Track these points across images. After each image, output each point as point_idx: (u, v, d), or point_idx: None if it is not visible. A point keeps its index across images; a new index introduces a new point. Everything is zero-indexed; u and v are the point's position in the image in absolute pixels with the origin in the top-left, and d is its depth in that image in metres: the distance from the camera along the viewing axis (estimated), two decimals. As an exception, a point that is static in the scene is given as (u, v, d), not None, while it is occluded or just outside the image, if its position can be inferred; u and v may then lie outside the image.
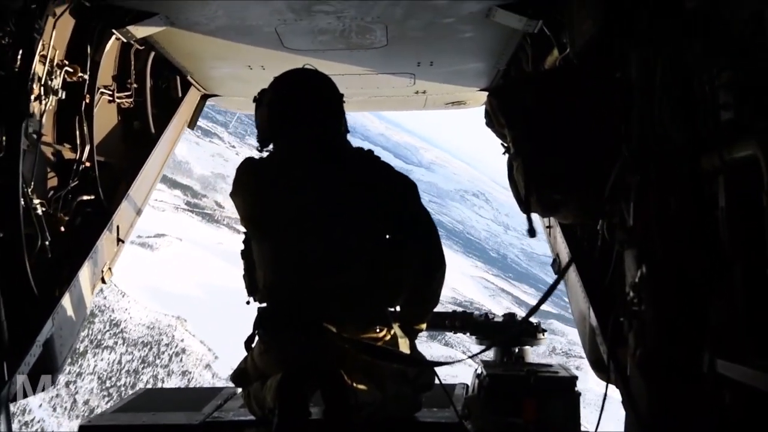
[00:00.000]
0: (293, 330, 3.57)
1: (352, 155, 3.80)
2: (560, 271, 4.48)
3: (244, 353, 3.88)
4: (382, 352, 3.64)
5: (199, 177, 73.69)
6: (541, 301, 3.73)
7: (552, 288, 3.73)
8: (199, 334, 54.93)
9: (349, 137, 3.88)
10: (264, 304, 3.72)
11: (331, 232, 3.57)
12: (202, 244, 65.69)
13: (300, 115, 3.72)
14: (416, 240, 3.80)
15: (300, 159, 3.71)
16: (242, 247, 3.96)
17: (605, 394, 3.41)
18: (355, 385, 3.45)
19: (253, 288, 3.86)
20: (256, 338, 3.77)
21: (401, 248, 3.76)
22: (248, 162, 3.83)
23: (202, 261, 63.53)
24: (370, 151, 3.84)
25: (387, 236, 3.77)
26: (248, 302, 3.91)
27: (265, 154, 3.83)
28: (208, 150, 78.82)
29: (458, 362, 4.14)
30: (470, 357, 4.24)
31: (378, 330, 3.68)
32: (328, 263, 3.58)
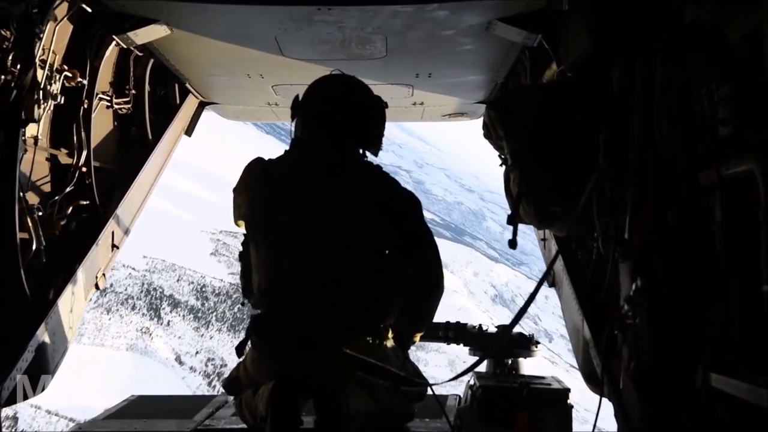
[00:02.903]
0: (286, 339, 3.56)
1: (360, 169, 3.80)
2: (545, 274, 4.44)
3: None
4: (375, 368, 3.63)
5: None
6: (525, 306, 3.73)
7: (534, 292, 3.73)
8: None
9: None
10: (258, 311, 3.71)
11: (329, 244, 3.56)
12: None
13: (318, 127, 3.75)
14: (415, 258, 3.80)
15: (308, 168, 3.71)
16: (241, 248, 3.96)
17: (599, 408, 3.41)
18: (347, 394, 3.44)
19: (248, 291, 3.86)
20: (249, 345, 3.76)
21: (399, 265, 3.76)
22: (257, 162, 3.81)
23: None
24: (378, 167, 3.85)
25: (386, 252, 3.76)
26: (243, 303, 3.92)
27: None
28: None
29: (451, 381, 4.14)
30: (462, 374, 4.23)
31: (370, 341, 3.68)
32: (325, 275, 3.57)
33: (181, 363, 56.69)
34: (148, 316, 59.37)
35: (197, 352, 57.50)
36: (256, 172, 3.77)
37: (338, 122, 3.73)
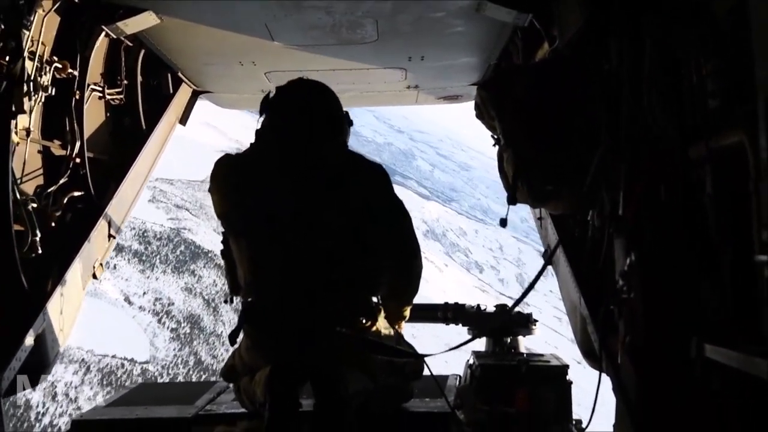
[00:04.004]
0: (279, 328, 3.58)
1: (326, 152, 3.77)
2: (548, 257, 4.48)
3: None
4: (369, 343, 3.67)
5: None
6: (528, 288, 3.75)
7: (539, 275, 3.75)
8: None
9: None
10: (249, 299, 3.72)
11: (308, 230, 3.57)
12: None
13: (288, 133, 3.72)
14: (389, 230, 3.78)
15: (275, 158, 3.71)
16: (221, 247, 3.93)
17: (599, 383, 3.43)
18: (344, 375, 3.46)
19: (235, 286, 3.83)
20: (242, 334, 3.76)
21: (377, 240, 3.76)
22: (225, 159, 3.83)
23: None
24: (344, 146, 3.87)
25: (364, 229, 3.75)
26: (226, 301, 3.92)
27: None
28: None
29: (445, 352, 4.16)
30: (457, 347, 4.24)
31: (363, 322, 3.70)
32: (309, 261, 3.58)
33: (130, 303, 57.90)
34: (94, 261, 60.89)
35: (144, 293, 58.63)
36: (225, 168, 3.78)
37: (308, 126, 3.71)
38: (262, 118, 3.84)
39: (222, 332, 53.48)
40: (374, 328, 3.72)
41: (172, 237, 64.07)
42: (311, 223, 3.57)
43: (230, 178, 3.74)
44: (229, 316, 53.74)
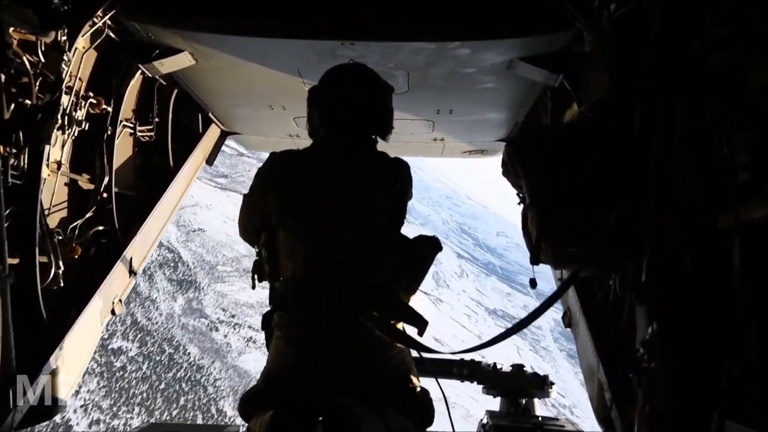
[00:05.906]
0: (316, 307, 3.60)
1: (376, 155, 3.95)
2: (568, 321, 4.41)
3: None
4: (392, 331, 3.69)
5: None
6: (538, 314, 3.68)
7: (551, 302, 3.67)
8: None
9: None
10: (286, 290, 3.73)
11: (363, 228, 3.67)
12: None
13: (342, 119, 3.86)
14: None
15: (333, 158, 3.82)
16: (265, 235, 3.92)
17: None
18: (356, 418, 3.39)
19: (274, 275, 3.86)
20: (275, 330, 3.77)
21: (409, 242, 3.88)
22: (280, 156, 3.89)
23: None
24: (385, 154, 4.00)
25: (397, 228, 3.87)
26: (254, 287, 3.97)
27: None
28: None
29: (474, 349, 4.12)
30: (484, 346, 4.14)
31: (392, 322, 3.74)
32: (360, 258, 3.64)
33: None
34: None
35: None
36: (283, 166, 3.85)
37: (360, 116, 3.88)
38: (309, 110, 3.96)
39: (156, 297, 53.56)
40: (400, 326, 3.77)
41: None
42: (368, 225, 3.69)
43: (289, 176, 3.81)
44: (163, 285, 53.97)
